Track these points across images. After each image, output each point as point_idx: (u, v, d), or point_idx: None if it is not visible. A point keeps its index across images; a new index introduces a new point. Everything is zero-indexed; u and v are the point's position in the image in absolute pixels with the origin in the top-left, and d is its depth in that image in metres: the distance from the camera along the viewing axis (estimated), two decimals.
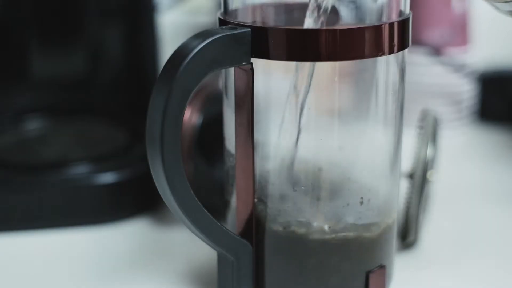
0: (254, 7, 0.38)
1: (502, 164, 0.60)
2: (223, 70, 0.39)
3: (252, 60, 0.36)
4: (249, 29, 0.35)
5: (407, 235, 0.46)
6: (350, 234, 0.38)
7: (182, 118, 0.34)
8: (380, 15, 0.37)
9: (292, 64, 0.36)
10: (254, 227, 0.38)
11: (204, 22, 0.81)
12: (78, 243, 0.48)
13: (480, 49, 0.73)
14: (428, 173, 0.47)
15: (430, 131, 0.48)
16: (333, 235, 0.37)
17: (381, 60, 0.37)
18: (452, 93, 0.67)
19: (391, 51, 0.36)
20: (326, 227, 0.37)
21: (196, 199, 0.36)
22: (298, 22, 0.37)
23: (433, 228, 0.49)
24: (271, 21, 0.38)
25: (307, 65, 0.36)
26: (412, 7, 0.39)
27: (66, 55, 0.61)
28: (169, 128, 0.34)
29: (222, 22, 0.37)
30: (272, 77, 0.37)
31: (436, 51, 0.67)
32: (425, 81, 0.67)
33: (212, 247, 0.38)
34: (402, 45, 0.37)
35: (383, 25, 0.35)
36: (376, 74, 0.37)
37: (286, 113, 0.37)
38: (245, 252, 0.38)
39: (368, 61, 0.36)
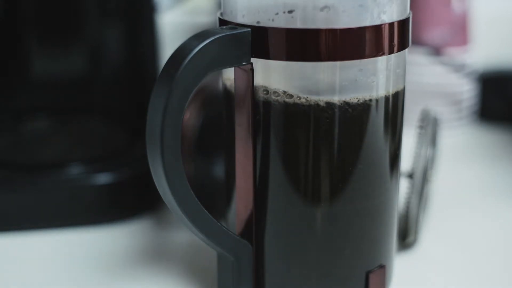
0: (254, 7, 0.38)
1: (502, 164, 0.60)
2: (223, 70, 0.39)
3: (252, 60, 0.36)
4: (249, 29, 0.35)
5: (407, 235, 0.46)
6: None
7: (182, 118, 0.34)
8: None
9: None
10: (254, 227, 0.38)
11: (204, 22, 0.81)
12: (78, 243, 0.48)
13: (480, 49, 0.73)
14: (428, 173, 0.47)
15: (430, 131, 0.48)
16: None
17: (381, 60, 0.37)
18: (452, 93, 0.67)
19: (391, 51, 0.36)
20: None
21: (196, 199, 0.36)
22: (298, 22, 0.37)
23: (433, 228, 0.49)
24: (271, 21, 0.38)
25: None
26: (412, 7, 0.39)
27: (66, 55, 0.61)
28: (169, 128, 0.34)
29: (222, 22, 0.37)
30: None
31: (436, 51, 0.67)
32: (425, 81, 0.67)
33: (212, 247, 0.38)
34: (402, 45, 0.37)
35: (383, 25, 0.35)
36: (376, 74, 0.37)
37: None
38: (245, 252, 0.38)
39: (368, 61, 0.36)
